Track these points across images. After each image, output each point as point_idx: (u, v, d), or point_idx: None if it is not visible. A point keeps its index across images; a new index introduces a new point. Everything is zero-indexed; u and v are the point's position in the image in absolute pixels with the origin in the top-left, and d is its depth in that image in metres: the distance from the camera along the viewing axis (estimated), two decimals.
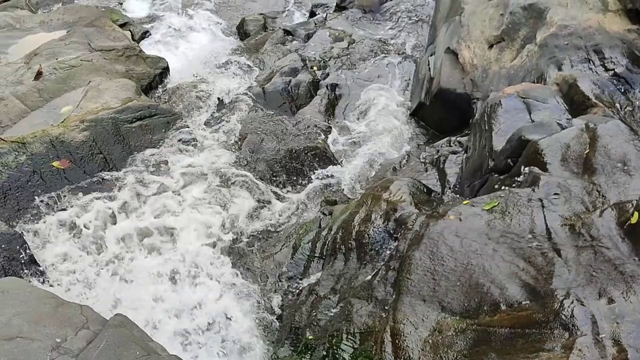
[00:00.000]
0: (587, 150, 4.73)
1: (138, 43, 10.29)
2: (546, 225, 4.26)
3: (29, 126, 7.01)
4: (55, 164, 6.38)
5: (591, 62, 6.15)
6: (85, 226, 5.81)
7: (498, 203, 4.58)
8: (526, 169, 4.85)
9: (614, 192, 4.34)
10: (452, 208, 4.71)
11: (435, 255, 4.35)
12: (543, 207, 4.39)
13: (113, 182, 6.40)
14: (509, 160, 5.22)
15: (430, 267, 4.29)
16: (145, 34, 11.00)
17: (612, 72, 5.89)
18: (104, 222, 5.92)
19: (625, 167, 4.45)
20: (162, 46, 10.80)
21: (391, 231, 4.97)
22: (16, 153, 6.33)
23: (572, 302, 3.62)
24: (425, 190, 5.58)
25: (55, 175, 6.28)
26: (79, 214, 5.91)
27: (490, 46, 7.44)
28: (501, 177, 5.19)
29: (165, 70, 9.05)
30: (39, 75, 7.90)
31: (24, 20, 9.92)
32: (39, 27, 9.64)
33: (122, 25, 10.67)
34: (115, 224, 5.94)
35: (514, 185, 4.87)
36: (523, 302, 3.83)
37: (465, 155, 6.13)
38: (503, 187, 4.84)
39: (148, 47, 10.44)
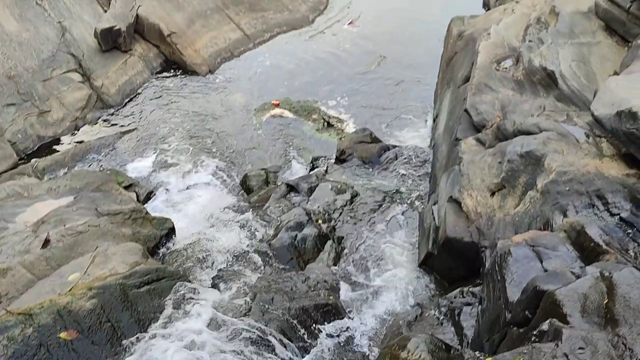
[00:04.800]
0: (606, 300, 4.66)
1: (144, 204, 10.47)
2: None
3: (36, 296, 6.91)
4: (62, 335, 6.21)
5: (595, 207, 6.22)
6: None
7: None
8: (546, 322, 4.74)
9: None
10: None
11: None
12: None
13: (121, 353, 6.22)
14: (527, 312, 5.12)
15: None
16: (150, 195, 11.23)
17: (618, 217, 5.93)
18: None
19: None
20: (167, 205, 11.01)
21: None
22: (23, 325, 6.18)
23: None
24: (443, 347, 5.40)
25: (62, 347, 6.09)
26: None
27: (492, 194, 7.56)
28: (520, 330, 5.07)
29: (171, 230, 9.13)
30: (46, 243, 7.94)
31: (32, 188, 10.13)
32: (46, 194, 9.82)
33: (127, 187, 10.91)
34: None
35: (535, 339, 4.74)
36: None
37: (480, 307, 6.02)
38: (525, 342, 4.71)
39: (154, 208, 10.62)
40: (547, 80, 9.31)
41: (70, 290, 6.93)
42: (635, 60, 8.21)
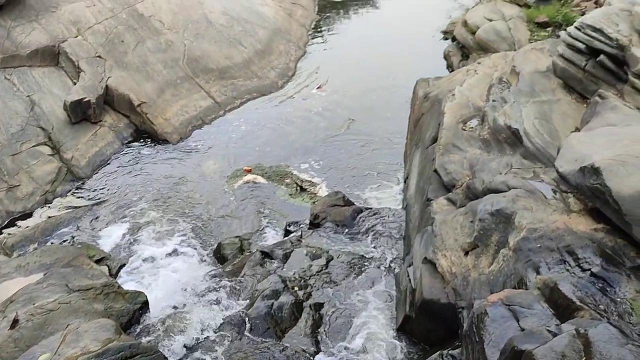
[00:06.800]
0: (584, 357, 4.67)
1: (116, 277, 10.30)
2: None
3: None
4: None
5: (567, 263, 6.27)
6: None
7: None
8: None
9: None
10: None
11: None
12: None
13: None
14: None
15: None
16: (122, 267, 11.02)
17: (589, 272, 5.97)
18: None
19: None
20: (140, 277, 10.81)
21: None
22: None
23: None
24: None
25: None
26: None
27: (466, 253, 7.59)
28: None
29: (145, 304, 8.96)
30: (15, 323, 7.72)
31: (0, 266, 9.91)
32: (15, 272, 9.61)
33: (99, 261, 10.72)
34: None
35: None
36: None
37: None
38: None
39: (126, 280, 10.44)
40: (513, 139, 9.52)
41: None
42: (594, 117, 8.46)
